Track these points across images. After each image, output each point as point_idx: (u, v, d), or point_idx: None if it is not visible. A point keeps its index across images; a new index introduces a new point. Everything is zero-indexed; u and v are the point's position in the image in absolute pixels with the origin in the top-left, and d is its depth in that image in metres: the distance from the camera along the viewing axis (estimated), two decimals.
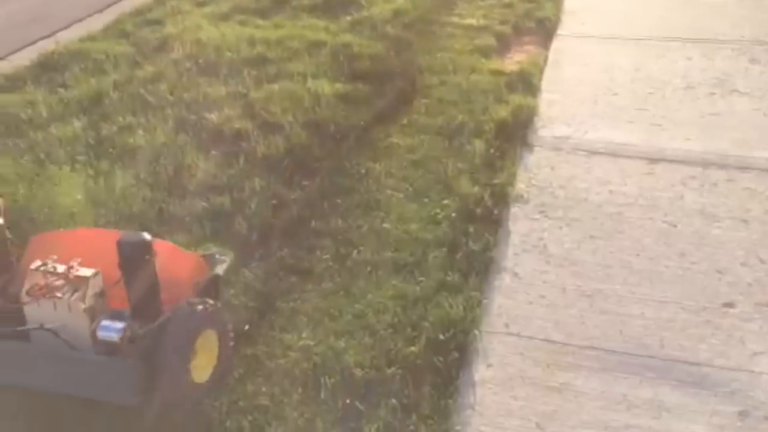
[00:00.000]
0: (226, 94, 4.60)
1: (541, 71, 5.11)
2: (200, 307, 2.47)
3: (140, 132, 4.18)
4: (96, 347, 2.40)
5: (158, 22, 5.91)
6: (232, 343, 2.64)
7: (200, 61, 5.04)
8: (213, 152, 3.98)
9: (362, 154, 4.03)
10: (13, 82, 4.97)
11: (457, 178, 3.74)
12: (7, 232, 2.68)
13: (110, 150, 4.04)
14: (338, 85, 4.70)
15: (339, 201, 3.61)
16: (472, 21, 5.95)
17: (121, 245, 2.40)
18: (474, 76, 4.91)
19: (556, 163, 3.95)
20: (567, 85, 4.91)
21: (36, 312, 2.40)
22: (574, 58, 5.34)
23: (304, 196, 3.63)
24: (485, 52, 5.37)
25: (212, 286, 2.74)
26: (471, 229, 3.37)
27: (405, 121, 4.34)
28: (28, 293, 2.40)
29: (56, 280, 2.40)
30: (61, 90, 4.79)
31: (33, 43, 5.60)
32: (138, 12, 6.21)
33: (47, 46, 5.47)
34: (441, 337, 2.78)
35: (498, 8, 6.28)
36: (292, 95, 4.52)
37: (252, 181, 3.67)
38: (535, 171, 3.87)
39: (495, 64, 5.17)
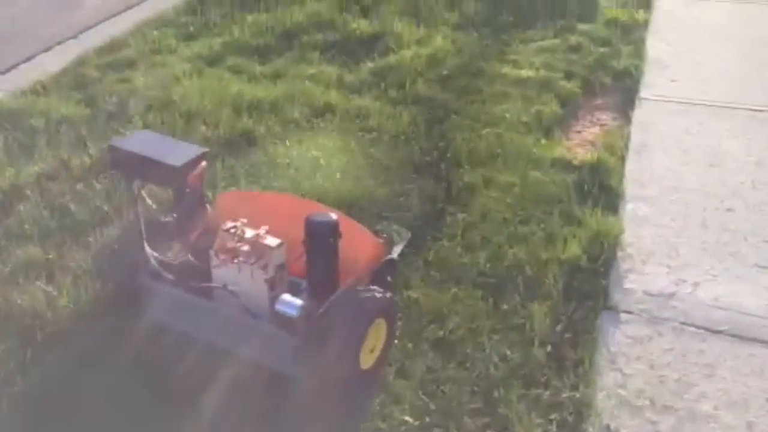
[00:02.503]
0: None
1: (623, 161, 3.76)
2: (378, 294, 2.45)
3: None
4: (271, 317, 2.39)
5: (130, 65, 4.65)
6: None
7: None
8: None
9: None
10: None
11: (505, 388, 2.44)
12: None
13: None
14: (343, 187, 3.41)
15: None
16: (530, 72, 4.58)
17: (308, 223, 2.42)
18: (532, 173, 3.57)
19: (655, 354, 2.62)
20: (660, 188, 3.55)
21: (221, 272, 2.45)
22: (665, 138, 3.97)
23: None
24: (547, 127, 4.02)
25: (387, 270, 2.69)
26: None
27: (431, 257, 3.04)
28: (217, 254, 2.44)
29: (243, 245, 2.41)
30: None
31: None
32: (110, 47, 4.95)
33: None
34: None
35: (562, 52, 4.90)
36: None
37: None
38: (623, 375, 2.53)
39: (560, 148, 3.82)
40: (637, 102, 4.33)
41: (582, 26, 5.26)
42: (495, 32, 5.20)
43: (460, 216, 3.28)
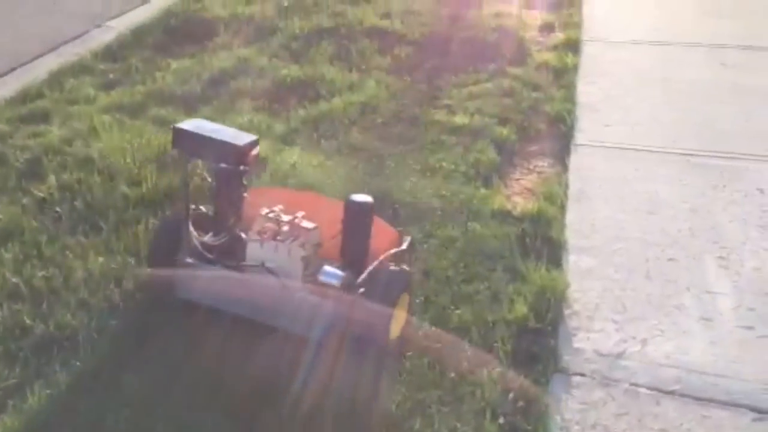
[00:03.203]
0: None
1: (563, 210, 3.70)
2: (407, 268, 2.84)
3: None
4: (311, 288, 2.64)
5: (44, 117, 4.36)
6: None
7: (78, 212, 3.48)
8: None
9: None
10: None
11: None
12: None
13: None
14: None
15: None
16: (465, 119, 4.50)
17: (348, 203, 2.75)
18: (473, 226, 3.47)
19: (610, 420, 2.51)
20: (601, 238, 3.49)
21: (257, 251, 2.71)
22: (603, 185, 3.93)
23: None
24: (485, 175, 3.94)
25: (403, 257, 2.96)
26: None
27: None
28: (257, 234, 2.72)
29: (283, 226, 2.71)
30: None
31: None
32: (24, 95, 4.64)
33: None
34: None
35: (496, 96, 4.86)
36: None
37: None
38: None
39: (499, 197, 3.73)
40: (572, 148, 4.30)
41: (513, 70, 5.25)
42: (428, 77, 5.14)
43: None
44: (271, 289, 2.63)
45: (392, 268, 2.77)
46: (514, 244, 3.36)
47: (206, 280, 2.75)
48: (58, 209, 3.44)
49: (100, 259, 3.11)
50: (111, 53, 5.42)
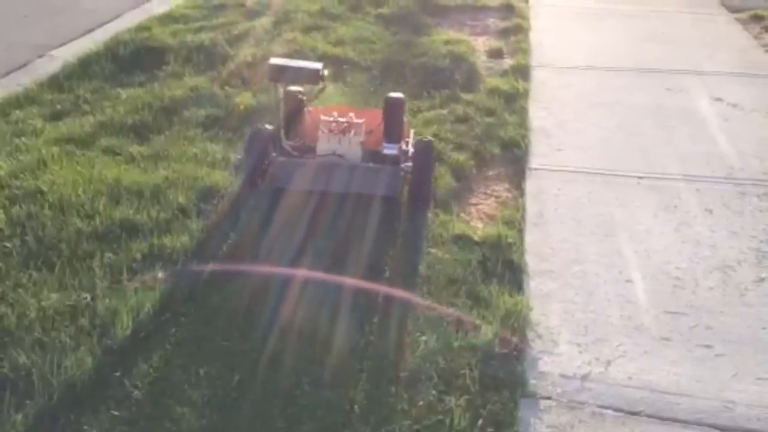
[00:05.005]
0: None
1: (522, 234, 3.74)
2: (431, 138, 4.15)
3: None
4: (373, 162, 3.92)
5: None
6: None
7: (29, 247, 3.39)
8: None
9: None
10: None
11: None
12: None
13: None
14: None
15: None
16: None
17: (388, 99, 3.99)
18: (435, 252, 3.48)
19: None
20: (560, 261, 3.54)
21: (326, 144, 3.88)
22: (559, 208, 4.00)
23: None
24: (443, 201, 3.97)
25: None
26: None
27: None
28: (327, 131, 3.90)
29: (344, 124, 3.93)
30: None
31: None
32: None
33: None
34: None
35: (451, 123, 4.92)
36: None
37: None
38: None
39: (459, 223, 3.76)
40: (527, 172, 4.37)
41: (466, 96, 5.32)
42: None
43: (367, 302, 3.12)
44: (346, 168, 3.83)
45: (423, 139, 4.01)
46: (475, 269, 3.38)
47: (302, 169, 3.85)
48: (7, 245, 3.33)
49: (54, 295, 3.01)
50: (57, 83, 5.31)
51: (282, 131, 3.93)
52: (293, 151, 3.91)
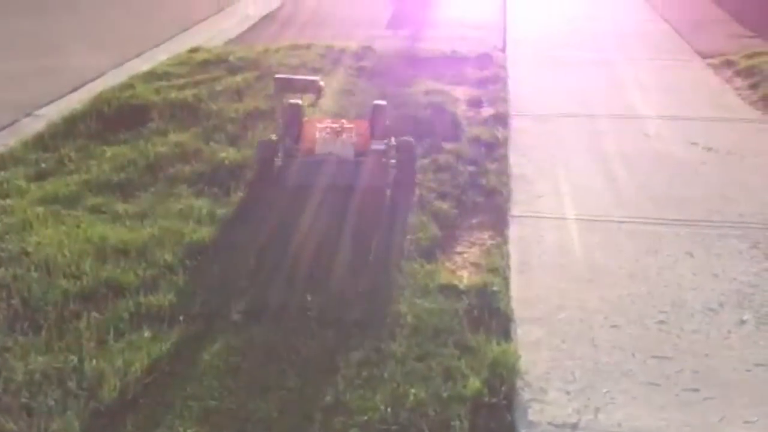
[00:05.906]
0: None
1: (507, 282, 3.78)
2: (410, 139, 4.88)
3: None
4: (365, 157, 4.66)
5: None
6: None
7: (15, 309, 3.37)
8: None
9: None
10: None
11: None
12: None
13: None
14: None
15: None
16: None
17: (374, 105, 5.09)
18: (421, 303, 3.51)
19: None
20: (546, 308, 3.57)
21: (323, 145, 4.64)
22: (543, 255, 4.05)
23: None
24: (428, 250, 4.01)
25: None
26: None
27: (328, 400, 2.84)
28: (323, 134, 4.68)
29: (338, 128, 4.71)
30: None
31: None
32: None
33: None
34: None
35: (433, 172, 4.99)
36: None
37: None
38: None
39: (444, 272, 3.80)
40: (509, 219, 4.43)
41: (447, 145, 5.41)
42: None
43: (355, 355, 3.13)
44: (342, 164, 4.55)
45: (405, 138, 4.80)
46: (462, 318, 3.40)
47: (305, 168, 4.59)
48: None
49: (41, 358, 3.00)
50: (42, 142, 5.34)
51: (286, 137, 4.81)
52: (296, 154, 4.70)
